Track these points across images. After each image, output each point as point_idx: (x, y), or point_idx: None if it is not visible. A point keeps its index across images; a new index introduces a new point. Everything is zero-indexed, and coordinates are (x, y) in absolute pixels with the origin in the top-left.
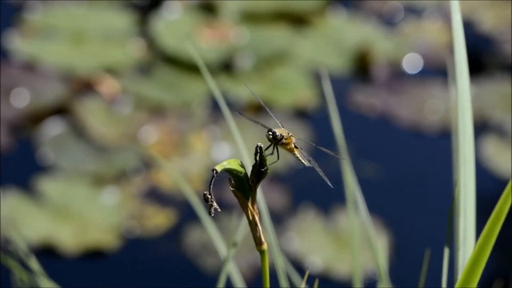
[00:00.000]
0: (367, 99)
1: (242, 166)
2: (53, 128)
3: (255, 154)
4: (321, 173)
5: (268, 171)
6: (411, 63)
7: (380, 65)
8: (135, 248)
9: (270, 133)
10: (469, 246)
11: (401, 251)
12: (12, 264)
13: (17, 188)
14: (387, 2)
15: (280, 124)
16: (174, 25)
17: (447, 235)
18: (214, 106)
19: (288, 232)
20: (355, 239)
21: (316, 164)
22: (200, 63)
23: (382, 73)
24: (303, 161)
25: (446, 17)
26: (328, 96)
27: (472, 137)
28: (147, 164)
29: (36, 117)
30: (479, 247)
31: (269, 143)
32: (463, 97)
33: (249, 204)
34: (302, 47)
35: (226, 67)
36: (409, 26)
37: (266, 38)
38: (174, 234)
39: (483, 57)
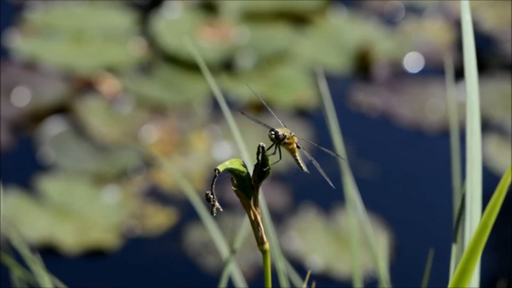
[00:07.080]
0: (368, 98)
1: (244, 165)
2: (53, 127)
3: (258, 154)
4: (323, 173)
5: (270, 171)
6: (412, 62)
7: (381, 64)
8: (136, 247)
9: (273, 132)
10: None
11: (402, 250)
12: (13, 263)
13: (18, 187)
14: (388, 2)
15: (282, 124)
16: (174, 24)
17: (454, 235)
18: (215, 105)
19: (289, 231)
20: (354, 238)
21: (318, 164)
22: (200, 61)
23: (383, 72)
24: (302, 165)
25: (447, 17)
26: (324, 96)
27: (479, 137)
28: (148, 163)
29: (37, 116)
30: (473, 240)
31: (271, 142)
32: (471, 98)
33: (251, 204)
34: (303, 46)
35: (226, 66)
36: (410, 25)
37: (267, 37)
38: (175, 233)
39: (483, 56)
